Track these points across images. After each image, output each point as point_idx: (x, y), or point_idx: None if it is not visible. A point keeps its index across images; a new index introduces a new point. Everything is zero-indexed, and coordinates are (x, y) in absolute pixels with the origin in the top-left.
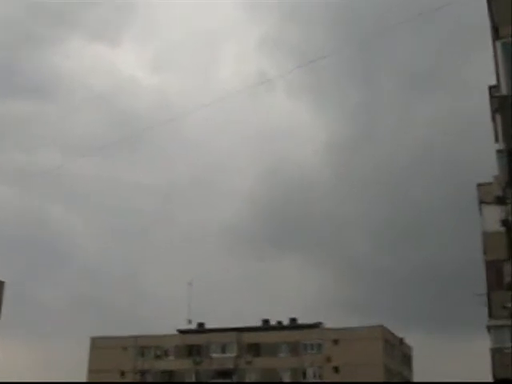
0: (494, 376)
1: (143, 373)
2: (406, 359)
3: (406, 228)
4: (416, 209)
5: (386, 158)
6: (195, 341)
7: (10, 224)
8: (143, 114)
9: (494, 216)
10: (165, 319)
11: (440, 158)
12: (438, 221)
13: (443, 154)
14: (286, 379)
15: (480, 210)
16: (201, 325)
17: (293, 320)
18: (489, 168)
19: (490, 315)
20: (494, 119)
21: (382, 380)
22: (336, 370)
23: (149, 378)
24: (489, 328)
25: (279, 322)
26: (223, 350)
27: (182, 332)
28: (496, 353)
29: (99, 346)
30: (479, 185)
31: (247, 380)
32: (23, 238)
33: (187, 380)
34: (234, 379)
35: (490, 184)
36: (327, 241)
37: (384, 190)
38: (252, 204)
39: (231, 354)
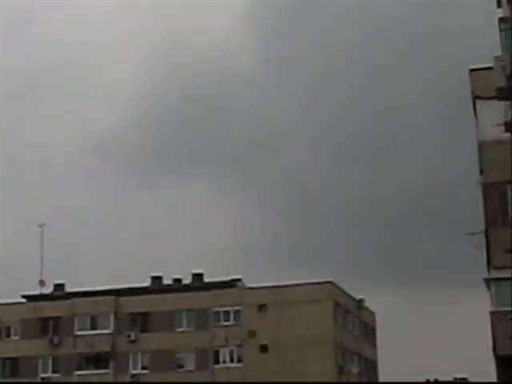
0: (495, 352)
1: None
2: (368, 331)
3: (365, 139)
4: (382, 109)
5: (339, 31)
6: (51, 312)
7: None
8: None
9: (493, 118)
10: (3, 280)
11: (416, 31)
12: (415, 128)
13: (421, 26)
14: (189, 364)
15: (474, 109)
16: (59, 287)
17: (197, 276)
18: (487, 46)
19: (489, 264)
20: None
21: (331, 364)
22: (264, 349)
23: None
24: (487, 282)
25: (177, 280)
26: (94, 325)
27: (30, 299)
28: (497, 319)
29: None
30: (472, 71)
31: (132, 368)
32: None
33: (40, 369)
34: (112, 367)
35: (488, 70)
36: (251, 156)
37: (335, 81)
38: (136, 104)
39: (106, 329)
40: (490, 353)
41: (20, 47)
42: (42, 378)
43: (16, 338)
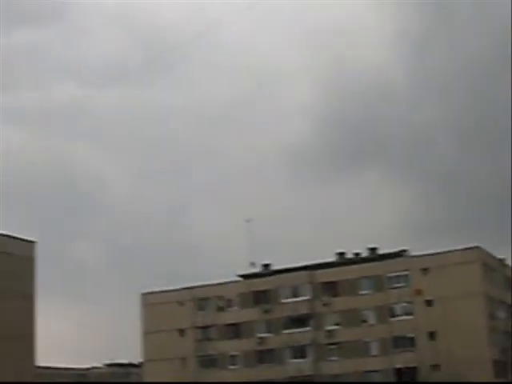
0: None
1: (205, 328)
2: (510, 284)
3: (503, 130)
4: None
5: (471, 47)
6: (262, 286)
7: (28, 172)
8: (170, 26)
9: None
10: (223, 265)
11: None
12: None
13: None
14: (371, 319)
15: None
16: (266, 266)
17: (372, 250)
18: None
19: None
20: None
21: (483, 312)
22: (428, 303)
23: (212, 334)
24: None
25: (357, 254)
26: (295, 294)
27: (245, 277)
28: None
29: (151, 302)
30: None
31: (326, 325)
32: (47, 187)
33: (256, 331)
34: (311, 325)
35: None
36: (407, 153)
37: (471, 88)
38: (312, 118)
39: (305, 296)
40: None
41: (216, 74)
42: (258, 338)
43: (236, 308)
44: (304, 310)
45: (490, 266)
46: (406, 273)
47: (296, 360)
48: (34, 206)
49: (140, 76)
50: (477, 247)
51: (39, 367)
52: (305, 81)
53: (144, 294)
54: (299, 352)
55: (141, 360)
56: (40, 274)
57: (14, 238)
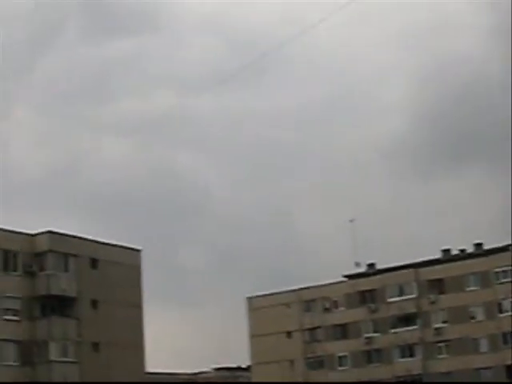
0: None
1: (312, 330)
2: None
3: None
4: None
5: None
6: (367, 285)
7: (132, 182)
8: (265, 31)
9: None
10: (327, 266)
11: None
12: None
13: None
14: (479, 315)
15: None
16: (371, 266)
17: (478, 245)
18: None
19: None
20: None
21: None
22: None
23: (319, 335)
24: None
25: (462, 250)
26: (401, 292)
27: (350, 277)
28: None
29: (257, 306)
30: None
31: (434, 323)
32: (149, 195)
33: (363, 331)
34: (418, 324)
35: None
36: (506, 147)
37: None
38: (409, 115)
39: (411, 295)
40: None
41: (311, 75)
42: (366, 338)
43: (342, 308)
44: (411, 309)
45: None
46: None
47: (404, 359)
48: (139, 214)
49: (237, 81)
50: None
51: (148, 373)
52: (401, 78)
53: (250, 298)
54: (407, 351)
55: (249, 363)
56: (146, 282)
57: (120, 246)
